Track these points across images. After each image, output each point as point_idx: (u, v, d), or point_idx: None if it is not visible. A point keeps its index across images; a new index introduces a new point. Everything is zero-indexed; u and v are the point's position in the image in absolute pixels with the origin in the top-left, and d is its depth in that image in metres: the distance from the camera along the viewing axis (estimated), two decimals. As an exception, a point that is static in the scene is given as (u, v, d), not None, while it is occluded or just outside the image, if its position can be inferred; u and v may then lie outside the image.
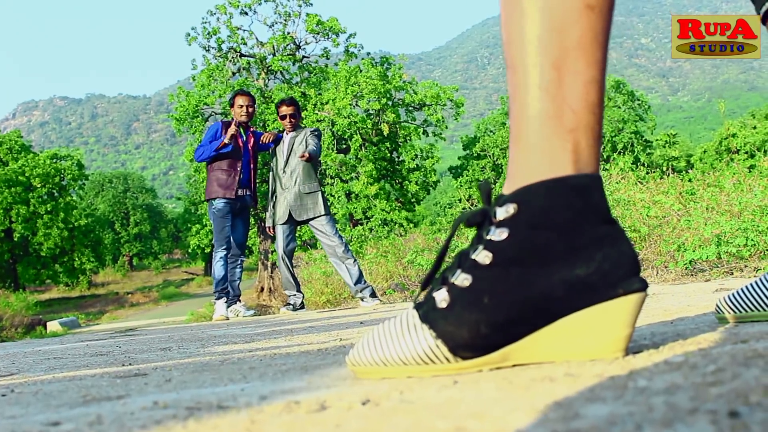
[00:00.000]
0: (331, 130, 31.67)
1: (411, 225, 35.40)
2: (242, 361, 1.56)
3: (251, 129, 7.33)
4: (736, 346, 0.91)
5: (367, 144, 32.35)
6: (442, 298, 0.99)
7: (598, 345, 0.92)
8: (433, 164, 34.19)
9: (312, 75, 35.51)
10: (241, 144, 7.11)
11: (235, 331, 3.36)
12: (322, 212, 6.88)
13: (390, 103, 33.09)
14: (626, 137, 41.24)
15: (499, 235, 0.96)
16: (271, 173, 7.17)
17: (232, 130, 6.97)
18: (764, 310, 1.27)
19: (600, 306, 0.92)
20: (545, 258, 0.93)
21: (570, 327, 0.93)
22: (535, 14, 0.93)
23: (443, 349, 0.97)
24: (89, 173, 58.91)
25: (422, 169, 33.86)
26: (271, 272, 31.44)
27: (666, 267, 4.74)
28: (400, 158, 34.36)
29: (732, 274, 4.21)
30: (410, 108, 34.64)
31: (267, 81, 35.49)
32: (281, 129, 7.74)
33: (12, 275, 44.63)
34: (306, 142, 6.99)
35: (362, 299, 6.77)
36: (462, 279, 0.98)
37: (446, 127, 34.52)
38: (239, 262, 7.20)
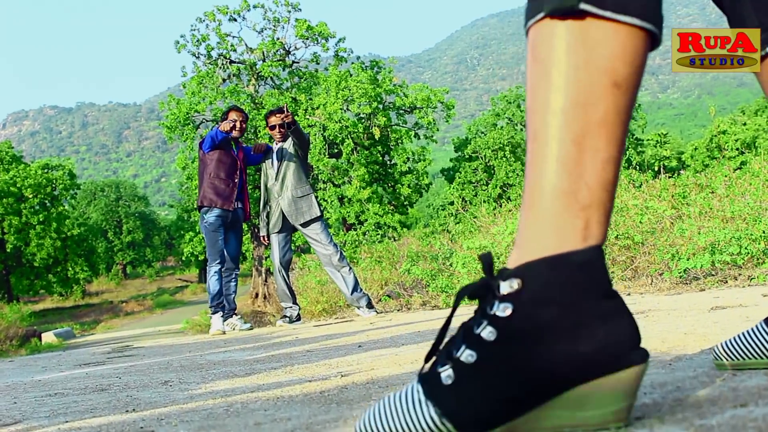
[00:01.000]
0: (322, 134, 31.69)
1: (404, 229, 35.46)
2: (246, 410, 1.56)
3: (241, 144, 7.33)
4: (736, 413, 0.92)
5: (358, 148, 32.38)
6: (447, 374, 0.99)
7: (602, 417, 0.93)
8: (425, 167, 34.21)
9: (302, 80, 35.51)
10: (233, 155, 7.13)
11: (234, 356, 3.35)
12: (318, 214, 6.93)
13: (381, 106, 33.12)
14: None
15: (503, 310, 0.96)
16: (262, 185, 7.16)
17: (228, 121, 6.96)
18: (760, 358, 1.29)
19: (603, 380, 0.93)
20: (550, 336, 0.94)
21: (574, 400, 0.94)
22: (561, 87, 0.93)
23: (448, 425, 0.98)
24: (81, 182, 58.82)
25: (414, 172, 33.88)
26: (266, 279, 31.43)
27: (660, 275, 4.77)
28: (392, 161, 34.38)
29: (726, 282, 4.23)
30: (401, 111, 34.66)
31: (257, 87, 35.48)
32: (270, 140, 7.74)
33: (5, 286, 44.50)
34: (297, 154, 7.04)
35: (359, 308, 6.75)
36: (467, 355, 0.99)
37: (437, 130, 34.57)
38: (233, 275, 7.16)
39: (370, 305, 6.76)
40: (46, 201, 45.25)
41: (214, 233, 6.93)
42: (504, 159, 36.78)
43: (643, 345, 0.94)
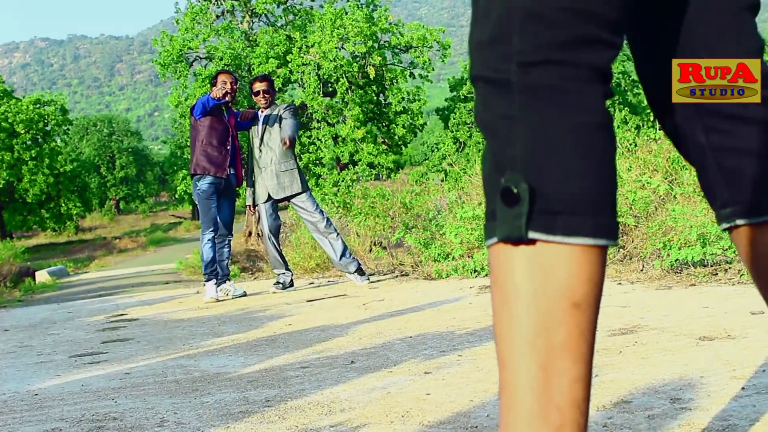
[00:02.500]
0: (317, 73, 31.45)
1: (399, 169, 35.42)
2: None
3: (232, 110, 7.20)
4: None
5: (353, 87, 32.15)
6: None
7: None
8: (420, 107, 34.04)
9: (297, 17, 35.12)
10: (225, 121, 7.01)
11: (227, 366, 3.35)
12: (299, 189, 6.84)
13: (376, 45, 32.81)
14: (613, 78, 41.08)
15: None
16: (249, 152, 7.12)
17: (220, 87, 6.79)
18: None
19: None
20: None
21: None
22: (522, 314, 0.90)
23: None
24: (73, 118, 58.40)
25: (409, 112, 33.72)
26: (258, 217, 31.52)
27: (651, 262, 4.78)
28: (387, 101, 34.21)
29: (716, 275, 4.25)
30: (396, 50, 34.37)
31: (252, 24, 35.11)
32: (256, 106, 7.65)
33: (-2, 222, 44.53)
34: (281, 121, 6.93)
35: (349, 273, 6.79)
36: None
37: (433, 69, 34.35)
38: (227, 242, 7.10)
39: (360, 271, 6.78)
40: (39, 137, 44.91)
41: (207, 201, 6.86)
42: (500, 100, 36.62)
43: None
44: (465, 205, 6.86)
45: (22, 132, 43.37)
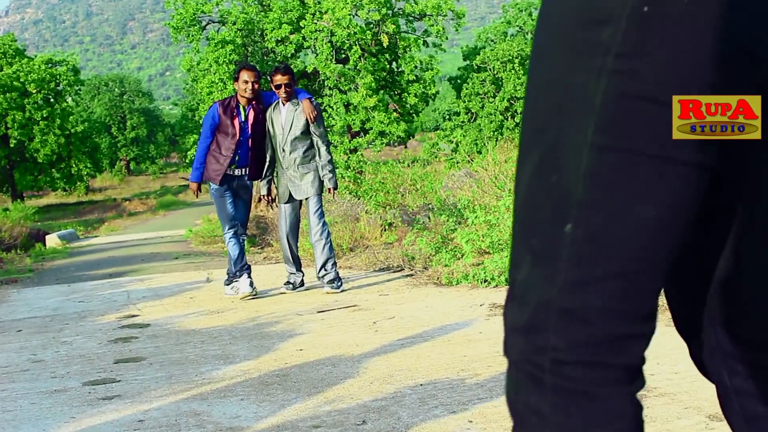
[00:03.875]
0: (330, 40, 31.34)
1: (409, 136, 35.33)
2: None
3: (253, 103, 6.86)
4: None
5: (366, 55, 32.05)
6: None
7: None
8: (433, 76, 33.93)
9: (312, -17, 34.97)
10: (237, 126, 6.76)
11: (241, 413, 3.34)
12: (318, 191, 6.75)
13: (390, 13, 32.66)
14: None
15: None
16: (270, 144, 6.90)
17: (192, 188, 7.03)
18: None
19: None
20: None
21: None
22: None
23: None
24: (85, 76, 58.29)
25: (422, 81, 33.62)
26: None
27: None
28: (400, 69, 34.10)
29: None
30: (410, 18, 34.21)
31: (265, -12, 34.98)
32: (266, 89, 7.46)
33: (9, 181, 44.60)
34: (308, 123, 6.73)
35: (325, 283, 6.68)
36: None
37: (446, 39, 34.20)
38: (241, 239, 7.01)
39: (333, 282, 6.66)
40: (50, 96, 44.88)
41: (221, 198, 6.78)
42: (513, 71, 36.39)
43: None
44: (477, 209, 6.83)
45: (34, 92, 43.38)
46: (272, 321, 5.32)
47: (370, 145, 33.17)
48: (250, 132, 6.84)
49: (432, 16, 33.47)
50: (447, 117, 43.82)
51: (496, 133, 35.23)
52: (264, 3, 34.23)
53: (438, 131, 43.38)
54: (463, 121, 37.57)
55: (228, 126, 6.73)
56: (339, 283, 6.68)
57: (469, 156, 33.51)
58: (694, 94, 0.87)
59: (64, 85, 45.73)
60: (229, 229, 6.84)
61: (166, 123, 69.92)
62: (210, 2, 33.42)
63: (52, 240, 24.21)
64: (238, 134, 6.75)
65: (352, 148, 31.61)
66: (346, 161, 27.51)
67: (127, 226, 32.26)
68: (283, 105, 6.77)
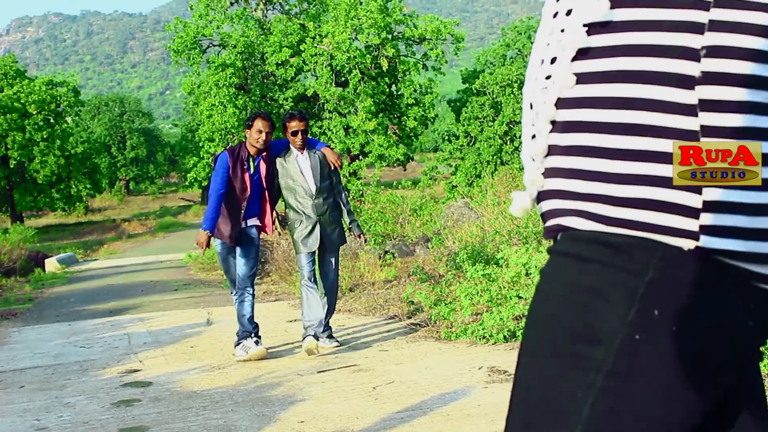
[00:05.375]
0: (329, 64, 31.42)
1: (408, 159, 35.35)
2: None
3: (263, 154, 6.57)
4: None
5: (365, 78, 32.11)
6: None
7: None
8: (432, 100, 34.01)
9: (311, 6, 35.14)
10: (247, 180, 6.45)
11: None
12: (344, 242, 6.73)
13: (390, 37, 32.75)
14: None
15: None
16: (286, 193, 6.62)
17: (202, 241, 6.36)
18: None
19: None
20: None
21: None
22: None
23: None
24: (85, 98, 58.41)
25: (421, 105, 33.70)
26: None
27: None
28: (399, 93, 34.17)
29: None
30: (410, 42, 34.32)
31: (265, 12, 35.13)
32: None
33: (9, 202, 44.66)
34: (331, 174, 6.60)
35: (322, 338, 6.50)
36: None
37: (445, 62, 34.31)
38: (246, 296, 6.53)
39: (316, 337, 6.44)
40: (50, 117, 44.99)
41: (224, 262, 6.64)
42: (512, 96, 36.52)
43: None
44: (477, 263, 6.89)
45: (34, 113, 43.50)
46: (273, 383, 5.36)
47: (368, 168, 33.31)
48: (264, 185, 6.57)
49: (431, 40, 33.60)
50: (446, 138, 43.85)
51: (495, 157, 35.32)
52: (264, 26, 34.38)
53: (438, 152, 43.46)
54: (462, 145, 37.66)
55: (238, 180, 6.46)
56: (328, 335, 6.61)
57: (468, 179, 33.50)
58: (680, 415, 0.95)
59: (64, 106, 45.88)
60: (234, 290, 6.60)
61: (166, 143, 70.02)
62: (211, 26, 33.56)
63: (52, 264, 24.25)
64: (249, 190, 6.49)
65: (351, 171, 31.67)
66: (345, 184, 27.60)
67: (127, 249, 32.26)
68: (300, 152, 6.54)
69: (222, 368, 6.08)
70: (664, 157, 0.94)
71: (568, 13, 1.04)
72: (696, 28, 0.94)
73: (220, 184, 6.40)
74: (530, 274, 6.18)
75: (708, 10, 0.94)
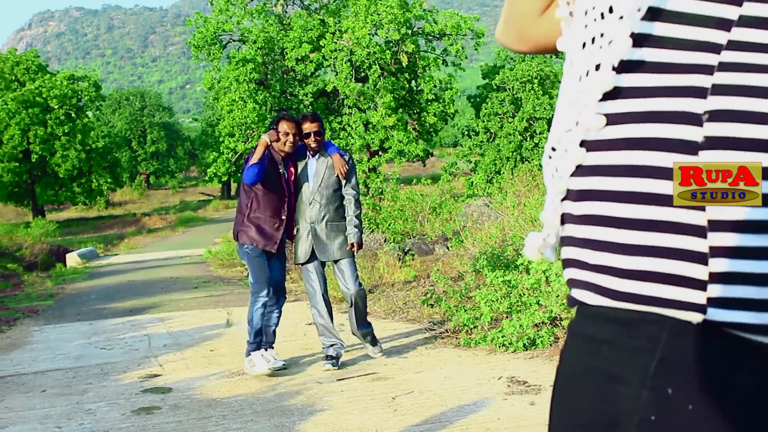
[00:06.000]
0: (349, 59, 31.43)
1: (428, 155, 35.29)
2: None
3: (291, 158, 6.28)
4: None
5: (385, 74, 32.10)
6: None
7: None
8: (452, 96, 33.95)
9: (331, 2, 35.15)
10: (284, 186, 6.13)
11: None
12: (349, 254, 6.19)
13: (409, 32, 32.71)
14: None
15: None
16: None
17: (264, 142, 5.93)
18: None
19: None
20: None
21: None
22: None
23: None
24: (106, 93, 58.75)
25: (441, 100, 33.64)
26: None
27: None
28: (419, 88, 34.14)
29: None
30: (430, 38, 34.27)
31: (285, 7, 35.17)
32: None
33: (31, 195, 45.00)
34: (342, 179, 6.19)
35: (364, 341, 6.35)
36: None
37: (465, 58, 34.24)
38: (277, 306, 6.27)
39: (374, 341, 6.33)
40: (72, 112, 45.26)
41: (257, 258, 6.08)
42: (532, 92, 36.39)
43: None
44: (496, 268, 6.87)
45: (56, 107, 43.79)
46: (292, 391, 5.37)
47: (388, 163, 33.34)
48: (293, 190, 6.27)
49: (451, 35, 33.52)
50: (465, 133, 43.77)
51: (514, 153, 35.23)
52: (284, 22, 34.42)
53: (457, 148, 43.38)
54: (482, 141, 37.58)
55: (275, 185, 6.11)
56: (380, 346, 6.39)
57: (487, 175, 33.36)
58: None
59: (85, 100, 46.16)
60: (263, 295, 6.08)
61: (186, 137, 70.29)
62: (231, 21, 33.64)
63: (73, 259, 24.40)
64: (287, 196, 6.18)
65: (371, 167, 31.71)
66: (364, 180, 27.62)
67: (147, 244, 32.42)
68: (312, 155, 6.26)
69: (241, 374, 6.09)
70: (670, 227, 0.93)
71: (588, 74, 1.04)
72: (699, 92, 0.93)
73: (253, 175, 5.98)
74: (550, 281, 6.15)
75: (712, 74, 0.93)
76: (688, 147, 0.92)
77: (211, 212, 48.52)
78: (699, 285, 0.93)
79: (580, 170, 1.03)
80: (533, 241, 1.13)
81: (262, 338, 6.10)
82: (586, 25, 1.04)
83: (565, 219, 1.07)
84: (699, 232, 0.92)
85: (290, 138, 6.11)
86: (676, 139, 0.93)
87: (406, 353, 6.46)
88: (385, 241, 15.32)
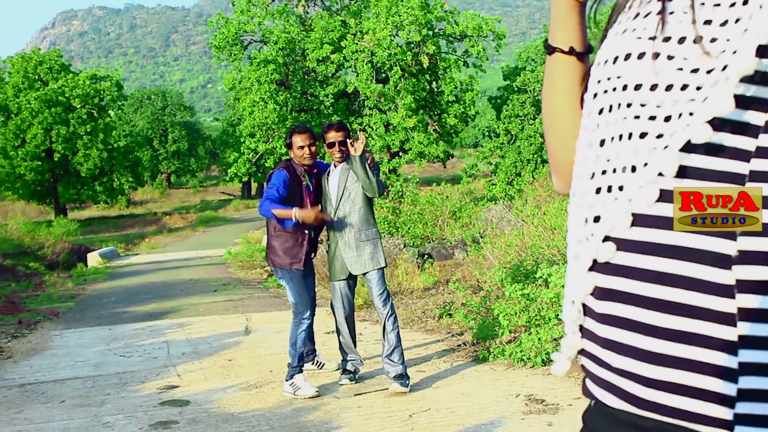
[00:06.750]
0: (370, 60, 31.46)
1: (448, 156, 35.26)
2: None
3: (315, 170, 6.09)
4: None
5: (406, 75, 32.11)
6: None
7: None
8: (473, 97, 33.88)
9: (352, 3, 35.18)
10: (308, 201, 5.92)
11: None
12: (381, 264, 5.88)
13: (431, 34, 32.71)
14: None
15: None
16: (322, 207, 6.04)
17: (296, 214, 5.58)
18: None
19: None
20: None
21: None
22: None
23: None
24: (128, 92, 59.10)
25: (461, 102, 33.59)
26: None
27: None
28: (440, 90, 34.11)
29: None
30: (451, 39, 34.24)
31: (307, 8, 35.25)
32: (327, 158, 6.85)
33: (53, 194, 45.33)
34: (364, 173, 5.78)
35: (388, 374, 5.79)
36: None
37: (486, 59, 34.18)
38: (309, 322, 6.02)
39: (400, 377, 5.71)
40: (94, 111, 45.54)
41: (294, 279, 5.91)
42: (553, 94, 36.30)
43: None
44: (515, 282, 6.84)
45: (78, 106, 44.10)
46: (310, 406, 5.37)
47: (408, 164, 33.38)
48: (315, 200, 6.05)
49: (472, 37, 33.47)
50: (486, 134, 43.70)
51: (535, 155, 35.16)
52: (305, 23, 34.49)
53: (477, 149, 43.31)
54: (502, 143, 37.51)
55: (297, 199, 5.88)
56: (407, 381, 5.73)
57: (508, 177, 33.26)
58: None
59: (107, 100, 46.46)
60: (309, 316, 5.92)
61: (207, 136, 70.55)
62: (252, 22, 33.76)
63: (94, 258, 24.56)
64: (310, 207, 5.91)
65: (391, 168, 31.74)
66: (385, 181, 27.65)
67: (167, 244, 32.57)
68: (335, 167, 6.00)
69: (259, 386, 6.10)
70: (699, 340, 0.90)
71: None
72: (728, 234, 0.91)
73: (278, 193, 5.78)
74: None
75: (743, 184, 0.90)
76: (722, 261, 0.90)
77: (231, 212, 48.69)
78: (727, 401, 0.90)
79: (605, 267, 1.00)
80: (561, 365, 1.11)
81: (304, 361, 5.96)
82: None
83: (586, 311, 1.05)
84: (729, 348, 0.89)
85: (306, 150, 5.91)
86: (711, 251, 0.91)
87: (423, 366, 6.45)
88: (404, 246, 15.32)
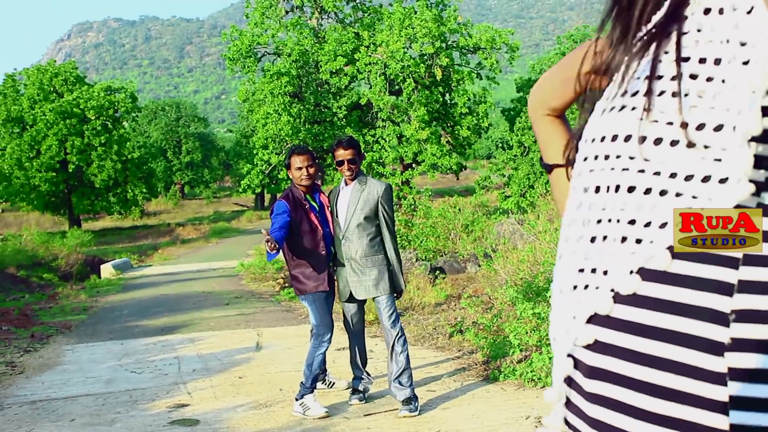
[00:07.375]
0: (383, 72, 31.51)
1: (461, 168, 35.24)
2: None
3: (319, 188, 6.03)
4: None
5: (419, 87, 32.14)
6: None
7: None
8: (486, 109, 33.86)
9: (366, 15, 35.26)
10: (315, 218, 5.81)
11: None
12: (388, 291, 5.69)
13: (444, 46, 32.73)
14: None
15: None
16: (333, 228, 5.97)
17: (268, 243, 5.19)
18: None
19: None
20: None
21: None
22: None
23: None
24: (143, 103, 59.39)
25: (475, 114, 33.59)
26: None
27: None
28: (453, 102, 34.12)
29: None
30: (464, 51, 34.27)
31: (320, 20, 35.34)
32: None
33: (67, 205, 45.57)
34: (377, 206, 5.70)
35: (396, 397, 5.66)
36: None
37: (500, 71, 34.15)
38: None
39: (408, 401, 5.57)
40: (108, 123, 45.79)
41: (325, 302, 5.83)
42: (566, 107, 36.26)
43: None
44: (525, 300, 6.81)
45: (93, 118, 44.34)
46: (319, 426, 5.35)
47: (421, 176, 33.42)
48: (329, 218, 5.95)
49: (486, 49, 33.49)
50: (499, 145, 43.67)
51: (548, 168, 35.11)
52: (319, 35, 34.61)
53: (490, 160, 43.28)
54: (515, 155, 37.50)
55: (305, 222, 5.79)
56: (416, 404, 5.58)
57: (521, 189, 33.17)
58: None
59: (122, 111, 46.74)
60: (329, 339, 5.84)
61: (221, 147, 70.81)
62: (266, 34, 33.91)
63: (107, 270, 24.65)
64: (320, 226, 5.83)
65: (404, 180, 31.79)
66: (397, 193, 27.68)
67: (180, 255, 32.61)
68: (346, 185, 5.83)
69: (269, 405, 6.09)
70: (688, 427, 0.88)
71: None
72: (725, 289, 0.89)
73: (282, 221, 5.64)
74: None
75: (737, 268, 0.88)
76: (714, 348, 0.88)
77: (244, 223, 48.78)
78: None
79: (593, 345, 0.98)
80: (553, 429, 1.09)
81: (317, 382, 5.91)
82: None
83: (572, 385, 1.03)
84: None
85: (303, 172, 5.78)
86: (702, 337, 0.89)
87: (433, 386, 6.42)
88: (416, 260, 15.30)
